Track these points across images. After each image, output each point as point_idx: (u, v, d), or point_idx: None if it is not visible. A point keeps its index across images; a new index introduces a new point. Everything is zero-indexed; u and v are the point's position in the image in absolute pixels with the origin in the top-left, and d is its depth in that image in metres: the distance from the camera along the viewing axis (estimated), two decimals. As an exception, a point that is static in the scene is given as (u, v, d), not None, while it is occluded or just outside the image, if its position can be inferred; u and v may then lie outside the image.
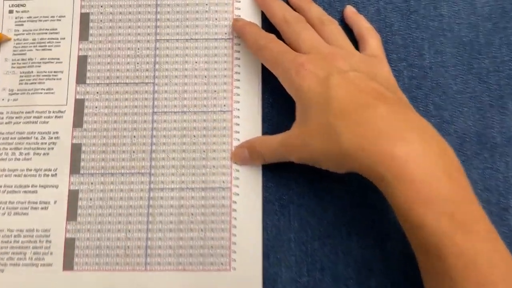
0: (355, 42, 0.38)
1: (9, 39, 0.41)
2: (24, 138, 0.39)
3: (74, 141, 0.39)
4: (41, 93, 0.40)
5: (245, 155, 0.37)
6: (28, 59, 0.40)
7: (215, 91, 0.39)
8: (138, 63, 0.40)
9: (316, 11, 0.37)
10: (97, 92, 0.40)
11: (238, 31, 0.39)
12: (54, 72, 0.40)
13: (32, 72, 0.40)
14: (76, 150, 0.39)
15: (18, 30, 0.41)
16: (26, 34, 0.41)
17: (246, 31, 0.37)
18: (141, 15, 0.41)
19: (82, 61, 0.40)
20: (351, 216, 0.37)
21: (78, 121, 0.39)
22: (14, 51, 0.41)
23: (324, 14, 0.37)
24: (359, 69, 0.33)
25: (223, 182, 0.38)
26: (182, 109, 0.39)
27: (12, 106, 0.40)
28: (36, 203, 0.38)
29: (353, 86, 0.31)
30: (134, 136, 0.39)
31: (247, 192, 0.38)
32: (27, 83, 0.40)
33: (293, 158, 0.34)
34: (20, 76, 0.40)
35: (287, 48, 0.35)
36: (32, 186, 0.38)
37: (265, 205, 0.37)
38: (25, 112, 0.39)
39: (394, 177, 0.28)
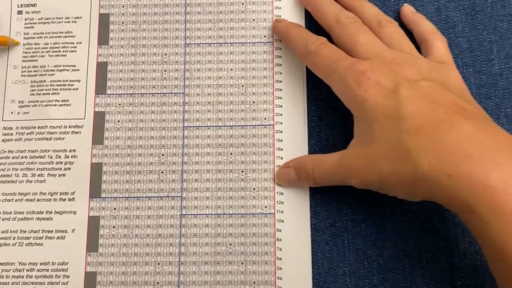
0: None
1: (17, 44, 0.36)
2: (36, 157, 0.34)
3: (94, 160, 0.34)
4: (56, 105, 0.35)
5: (291, 176, 0.32)
6: (40, 66, 0.36)
7: (253, 102, 0.35)
8: (165, 71, 0.35)
9: (372, 11, 0.33)
10: (120, 104, 0.35)
11: (281, 33, 0.34)
12: (70, 81, 0.35)
13: (44, 81, 0.35)
14: (96, 170, 0.34)
15: (28, 34, 0.36)
16: (38, 37, 0.36)
17: (292, 33, 0.33)
18: (168, 16, 0.36)
19: (102, 69, 0.36)
20: (415, 247, 0.32)
21: (98, 137, 0.34)
22: (24, 57, 0.36)
23: (381, 14, 0.33)
24: (431, 77, 0.29)
25: (265, 207, 0.33)
26: (216, 123, 0.34)
27: (22, 120, 0.35)
28: (51, 232, 0.33)
29: (427, 99, 0.27)
30: (163, 154, 0.34)
31: (293, 219, 0.33)
32: (39, 94, 0.35)
33: (353, 182, 0.29)
34: (31, 86, 0.35)
35: (342, 53, 0.30)
36: (46, 212, 0.34)
37: (315, 234, 0.33)
38: (38, 127, 0.35)
39: (490, 210, 0.23)
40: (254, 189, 0.34)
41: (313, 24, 0.35)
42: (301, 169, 0.32)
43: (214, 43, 0.36)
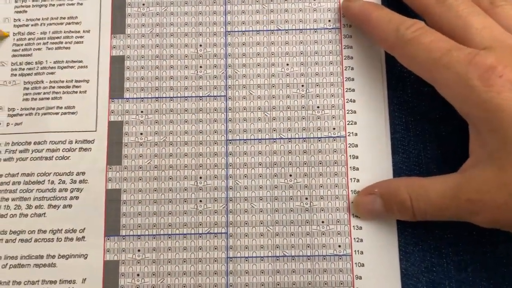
0: None
1: (5, 36, 0.28)
2: (33, 182, 0.26)
3: (109, 186, 0.26)
4: (57, 113, 0.27)
5: (376, 206, 0.25)
6: (36, 63, 0.28)
7: (318, 107, 0.27)
8: (201, 67, 0.27)
9: (481, -14, 0.25)
10: (142, 111, 0.27)
11: (356, 16, 0.27)
12: (76, 81, 0.27)
13: (42, 81, 0.28)
14: (113, 199, 0.26)
15: (19, 20, 0.28)
16: (32, 25, 0.28)
17: (374, 16, 0.25)
18: (202, -4, 0.28)
19: (117, 65, 0.28)
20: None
21: (114, 156, 0.27)
22: (15, 50, 0.28)
23: (492, -10, 0.25)
24: None
25: (339, 246, 0.26)
26: (270, 135, 0.27)
27: (13, 134, 0.27)
28: (54, 283, 0.26)
29: None
30: (200, 177, 0.26)
31: (377, 262, 0.25)
32: (34, 99, 0.27)
33: (479, 220, 0.22)
34: (25, 88, 0.28)
35: (452, 42, 0.23)
36: (48, 256, 0.26)
37: (406, 282, 0.26)
38: (34, 143, 0.27)
39: None
40: (322, 222, 0.26)
41: (391, 6, 0.27)
42: (392, 198, 0.24)
43: (263, 30, 0.28)
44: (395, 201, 0.24)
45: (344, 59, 0.28)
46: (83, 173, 0.27)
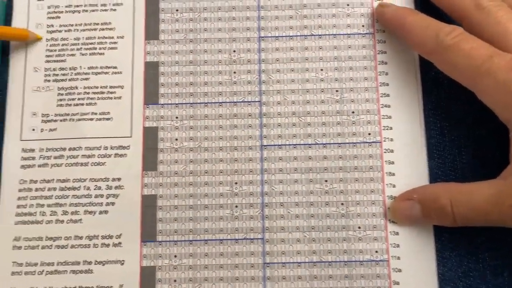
0: None
1: (38, 39, 0.28)
2: (69, 188, 0.27)
3: (145, 192, 0.26)
4: (92, 119, 0.27)
5: (414, 212, 0.25)
6: (70, 69, 0.28)
7: (353, 112, 0.27)
8: (235, 73, 0.28)
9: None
10: (177, 117, 0.27)
11: (391, 21, 0.27)
12: (110, 87, 0.28)
13: (76, 87, 0.28)
14: (149, 205, 0.26)
15: (52, 26, 0.29)
16: (65, 31, 0.29)
17: (409, 21, 0.25)
18: (235, 1, 0.28)
19: (152, 71, 0.28)
20: None
21: (150, 162, 0.27)
22: (48, 56, 0.28)
23: (529, -5, 0.25)
24: None
25: (376, 252, 0.26)
26: (305, 140, 0.27)
27: (47, 139, 0.27)
28: (91, 289, 0.26)
29: None
30: (236, 183, 0.26)
31: (414, 268, 0.26)
32: (69, 105, 0.27)
33: None
34: (59, 94, 0.28)
35: (492, 48, 0.23)
36: (84, 262, 0.26)
37: (443, 286, 0.26)
38: (69, 149, 0.27)
39: None
40: (359, 227, 0.26)
41: (424, 11, 0.27)
42: (432, 204, 0.24)
43: (297, 36, 0.28)
44: (435, 207, 0.24)
45: (378, 64, 0.28)
46: (119, 179, 0.27)
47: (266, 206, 0.27)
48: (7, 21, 0.29)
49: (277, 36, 0.28)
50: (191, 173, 0.27)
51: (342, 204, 0.26)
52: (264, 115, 0.27)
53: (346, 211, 0.26)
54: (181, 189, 0.27)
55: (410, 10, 0.27)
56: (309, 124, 0.27)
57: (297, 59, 0.28)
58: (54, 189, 0.27)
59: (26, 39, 0.28)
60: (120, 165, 0.27)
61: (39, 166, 0.27)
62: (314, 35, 0.28)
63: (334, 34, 0.28)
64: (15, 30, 0.28)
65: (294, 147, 0.27)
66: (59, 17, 0.29)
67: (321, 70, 0.28)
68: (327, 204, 0.27)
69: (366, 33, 0.28)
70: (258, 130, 0.27)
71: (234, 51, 0.28)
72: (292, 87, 0.28)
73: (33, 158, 0.27)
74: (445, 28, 0.24)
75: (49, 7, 0.29)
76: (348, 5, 0.28)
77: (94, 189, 0.27)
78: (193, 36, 0.28)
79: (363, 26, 0.28)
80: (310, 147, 0.27)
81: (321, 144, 0.27)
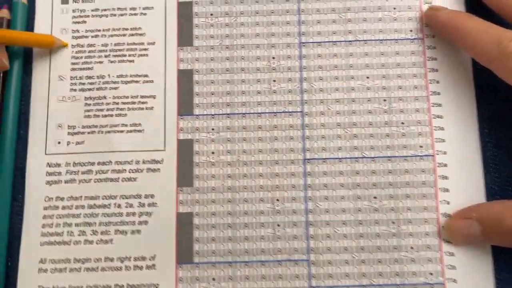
0: None
1: (64, 46, 0.26)
2: (98, 206, 0.25)
3: (181, 210, 0.25)
4: (122, 131, 0.25)
5: (473, 231, 0.23)
6: (98, 77, 0.26)
7: (402, 123, 0.25)
8: (274, 81, 0.26)
9: None
10: (213, 129, 0.25)
11: (445, 26, 0.25)
12: (141, 97, 0.26)
13: (105, 97, 0.26)
14: (184, 224, 0.25)
15: (78, 31, 0.27)
16: (92, 37, 0.27)
17: (465, 25, 0.24)
18: (274, 4, 0.27)
19: (185, 79, 0.26)
20: None
21: (185, 177, 0.25)
22: (74, 64, 0.26)
23: None
24: None
25: (430, 274, 0.24)
26: (351, 154, 0.25)
27: (75, 153, 0.25)
28: (124, 316, 0.24)
29: None
30: (277, 200, 0.25)
31: (472, 291, 0.24)
32: (97, 116, 0.26)
33: None
34: (86, 104, 0.26)
35: None
36: (116, 286, 0.24)
37: (504, 312, 0.24)
38: (97, 164, 0.25)
39: None
40: (411, 248, 0.24)
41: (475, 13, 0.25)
42: (495, 224, 0.22)
43: (340, 41, 0.26)
44: (498, 227, 0.22)
45: (429, 71, 0.26)
46: (152, 196, 0.25)
47: (311, 225, 0.25)
48: (29, 26, 0.27)
49: (319, 42, 0.27)
50: (229, 189, 0.25)
51: (393, 222, 0.25)
52: (307, 126, 0.26)
53: (398, 230, 0.25)
54: (219, 206, 0.25)
55: (465, 13, 0.25)
56: (355, 136, 0.25)
57: (341, 66, 0.26)
58: (82, 207, 0.25)
59: (51, 46, 0.26)
60: (153, 180, 0.25)
61: (66, 182, 0.25)
62: (359, 41, 0.26)
63: (381, 40, 0.26)
64: (40, 36, 0.26)
65: (340, 161, 0.25)
66: (85, 22, 0.27)
67: (367, 78, 0.26)
68: (376, 223, 0.25)
69: (415, 38, 0.26)
70: (300, 142, 0.26)
71: (274, 57, 0.26)
72: (336, 96, 0.26)
73: (59, 174, 0.25)
74: (507, 33, 0.22)
75: (74, 11, 0.27)
76: (394, 8, 0.27)
77: (126, 207, 0.25)
78: (229, 42, 0.27)
79: (411, 31, 0.27)
80: (357, 161, 0.25)
81: (369, 157, 0.25)
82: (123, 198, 0.25)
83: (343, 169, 0.25)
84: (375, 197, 0.25)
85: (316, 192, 0.25)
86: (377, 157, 0.25)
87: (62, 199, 0.25)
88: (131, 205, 0.25)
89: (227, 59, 0.27)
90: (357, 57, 0.26)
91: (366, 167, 0.25)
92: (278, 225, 0.25)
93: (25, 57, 0.27)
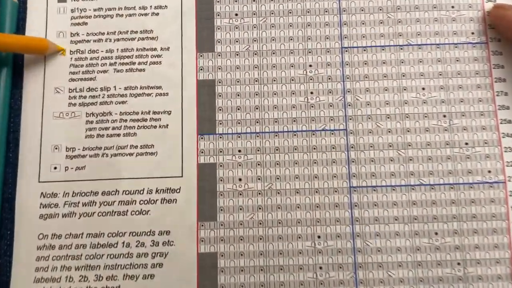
0: None
1: (60, 51, 0.22)
2: (102, 245, 0.21)
3: (202, 249, 0.21)
4: (131, 154, 0.21)
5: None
6: (101, 89, 0.22)
7: (466, 143, 0.21)
8: (312, 93, 0.22)
9: None
10: (239, 151, 0.21)
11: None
12: (154, 113, 0.22)
13: (110, 113, 0.22)
14: (207, 266, 0.20)
15: (77, 34, 0.23)
16: (94, 41, 0.23)
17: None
18: (310, 2, 0.23)
19: (206, 91, 0.22)
20: None
21: (207, 209, 0.21)
22: (72, 73, 0.22)
23: None
24: None
25: (506, 326, 0.20)
26: (406, 180, 0.21)
27: (74, 181, 0.21)
28: None
29: None
30: (319, 237, 0.21)
31: None
32: (101, 136, 0.22)
33: None
34: (87, 122, 0.22)
35: None
36: None
37: None
38: (102, 194, 0.21)
39: None
40: (482, 294, 0.20)
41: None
42: None
43: (390, 46, 0.22)
44: None
45: (495, 82, 0.22)
46: (168, 232, 0.21)
47: (360, 267, 0.21)
48: (19, 28, 0.23)
49: (364, 47, 0.22)
50: (260, 223, 0.21)
51: (459, 264, 0.21)
52: (352, 147, 0.22)
53: (464, 274, 0.20)
54: (248, 244, 0.21)
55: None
56: (410, 159, 0.21)
57: (391, 75, 0.22)
58: (84, 246, 0.21)
59: (45, 52, 0.22)
60: (169, 213, 0.21)
61: (64, 216, 0.21)
62: (412, 45, 0.22)
63: (437, 44, 0.22)
64: (31, 40, 0.22)
65: (393, 189, 0.21)
66: (86, 24, 0.23)
67: (423, 89, 0.22)
68: (439, 264, 0.21)
69: (478, 43, 0.22)
70: (345, 167, 0.21)
71: (311, 65, 0.22)
72: (387, 111, 0.22)
73: (56, 206, 0.21)
74: None
75: (73, 11, 0.23)
76: (453, 7, 0.23)
77: (136, 246, 0.21)
78: (257, 47, 0.23)
79: (472, 33, 0.23)
80: (413, 189, 0.21)
81: (427, 185, 0.21)
82: (133, 236, 0.21)
83: (397, 199, 0.21)
84: (436, 233, 0.21)
85: (365, 228, 0.21)
86: (437, 184, 0.21)
87: (59, 236, 0.21)
88: (142, 244, 0.21)
89: (256, 68, 0.22)
90: (410, 65, 0.22)
91: (424, 197, 0.21)
92: (321, 268, 0.21)
93: (14, 65, 0.23)
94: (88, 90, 0.22)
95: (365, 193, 0.21)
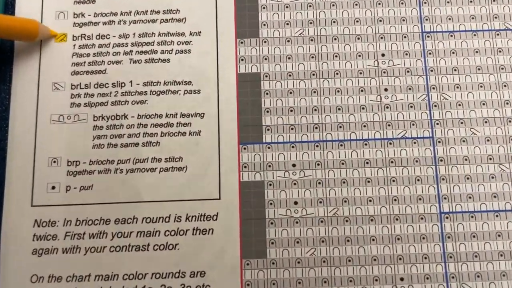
0: None
1: (55, 36, 0.17)
2: (137, 278, 0.16)
3: (248, 296, 0.16)
4: (153, 169, 0.16)
5: None
6: (114, 85, 0.17)
7: None
8: (386, 90, 0.17)
9: None
10: (293, 165, 0.17)
11: None
12: (182, 115, 0.17)
13: (124, 116, 0.17)
14: (256, 321, 0.15)
15: (82, 15, 0.18)
16: (104, 23, 0.18)
17: None
18: (380, -25, 0.18)
19: (249, 88, 0.17)
20: None
21: (254, 242, 0.16)
22: (76, 65, 0.18)
23: None
24: None
25: None
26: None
27: (78, 205, 0.17)
28: None
29: None
30: (401, 279, 0.16)
31: None
32: (113, 146, 0.17)
33: None
34: (95, 127, 0.17)
35: None
36: None
37: None
38: (115, 222, 0.16)
39: None
40: None
41: None
42: None
43: (483, 30, 0.17)
44: None
45: None
46: (202, 274, 0.16)
47: (457, 319, 0.16)
48: (8, 7, 0.18)
49: (451, 31, 0.18)
50: (323, 261, 0.16)
51: None
52: (441, 160, 0.17)
53: None
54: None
55: None
56: (517, 176, 0.17)
57: (486, 67, 0.17)
58: (89, 279, 0.16)
59: (34, 38, 0.17)
60: (204, 249, 0.16)
61: (65, 251, 0.16)
62: (510, 29, 0.18)
63: (544, 28, 0.18)
64: (16, 22, 0.17)
65: (496, 215, 0.16)
66: (93, 1, 0.18)
67: (529, 86, 0.17)
68: (561, 315, 0.16)
69: None
70: (432, 186, 0.17)
71: (383, 55, 0.18)
72: (483, 114, 0.17)
73: (54, 238, 0.16)
74: None
75: (76, -14, 0.18)
76: (562, -20, 0.18)
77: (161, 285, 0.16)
78: (314, 31, 0.18)
79: None
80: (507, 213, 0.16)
81: (540, 209, 0.17)
82: (156, 278, 0.16)
83: (501, 228, 0.16)
84: (554, 274, 0.16)
85: (462, 266, 0.16)
86: (553, 208, 0.17)
87: (58, 279, 0.16)
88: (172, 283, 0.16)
89: (312, 57, 0.18)
90: (510, 54, 0.18)
91: (538, 225, 0.16)
92: (405, 320, 0.16)
93: (1, 54, 0.18)
94: (96, 86, 0.17)
95: (460, 221, 0.16)
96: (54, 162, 0.17)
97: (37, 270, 0.16)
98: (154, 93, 0.17)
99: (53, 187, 0.17)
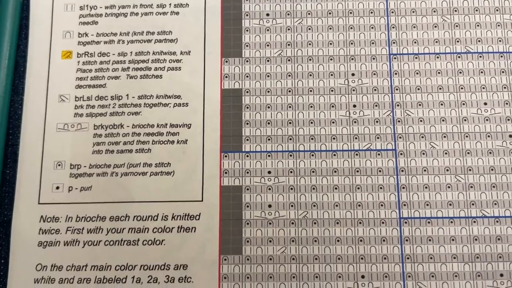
0: None
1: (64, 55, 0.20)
2: (109, 280, 0.18)
3: (225, 289, 0.17)
4: (145, 173, 0.19)
5: None
6: (112, 98, 0.19)
7: (536, 169, 0.18)
8: (355, 106, 0.19)
9: None
10: (269, 172, 0.19)
11: None
12: (172, 126, 0.19)
13: (121, 126, 0.19)
14: (230, 309, 0.17)
15: (86, 35, 0.20)
16: (105, 42, 0.20)
17: None
18: (353, 2, 0.20)
19: (232, 103, 0.19)
20: None
21: (231, 241, 0.18)
22: (80, 79, 0.20)
23: None
24: None
25: None
26: (466, 212, 0.18)
27: (79, 203, 0.19)
28: None
29: None
30: (362, 276, 0.17)
31: None
32: (110, 152, 0.19)
33: None
34: (95, 135, 0.19)
35: None
36: None
37: None
38: (109, 219, 0.18)
39: None
40: None
41: None
42: None
43: (445, 53, 0.19)
44: None
45: None
46: (185, 267, 0.18)
47: (411, 313, 0.18)
48: (22, 27, 0.20)
49: (416, 53, 0.19)
50: (293, 259, 0.18)
51: (529, 312, 0.17)
52: (402, 171, 0.18)
53: (536, 325, 0.17)
54: (279, 283, 0.18)
55: None
56: (471, 187, 0.18)
57: (446, 87, 0.19)
58: (88, 280, 0.18)
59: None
60: (187, 244, 0.18)
61: (66, 244, 0.18)
62: (471, 53, 0.19)
63: (501, 52, 0.19)
64: None
65: (451, 222, 0.18)
66: (96, 23, 0.20)
67: (485, 104, 0.19)
68: (505, 313, 0.17)
69: (550, 50, 0.19)
70: (394, 194, 0.18)
71: (353, 74, 0.19)
72: (442, 129, 0.19)
73: (57, 232, 0.18)
74: None
75: (82, 8, 0.20)
76: (521, 8, 0.20)
77: (148, 282, 0.18)
78: (291, 52, 0.20)
79: (545, 39, 0.19)
80: (474, 221, 0.18)
81: (491, 217, 0.18)
82: (144, 269, 0.18)
83: (456, 233, 0.18)
84: (501, 275, 0.18)
85: (418, 267, 0.18)
86: (503, 216, 0.18)
87: (59, 268, 0.18)
88: (155, 280, 0.18)
89: (289, 76, 0.19)
90: (469, 76, 0.19)
91: (488, 231, 0.18)
92: (364, 314, 0.18)
93: (16, 68, 0.20)
94: (97, 98, 0.19)
95: (417, 226, 0.18)
96: (59, 165, 0.19)
97: (41, 260, 0.18)
98: (147, 105, 0.19)
99: (58, 187, 0.19)
